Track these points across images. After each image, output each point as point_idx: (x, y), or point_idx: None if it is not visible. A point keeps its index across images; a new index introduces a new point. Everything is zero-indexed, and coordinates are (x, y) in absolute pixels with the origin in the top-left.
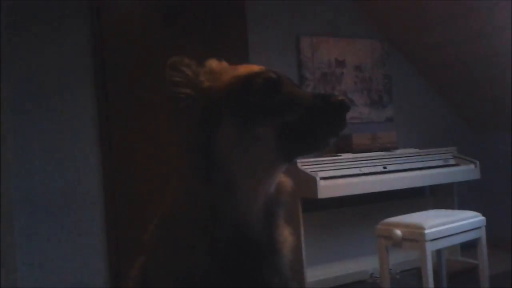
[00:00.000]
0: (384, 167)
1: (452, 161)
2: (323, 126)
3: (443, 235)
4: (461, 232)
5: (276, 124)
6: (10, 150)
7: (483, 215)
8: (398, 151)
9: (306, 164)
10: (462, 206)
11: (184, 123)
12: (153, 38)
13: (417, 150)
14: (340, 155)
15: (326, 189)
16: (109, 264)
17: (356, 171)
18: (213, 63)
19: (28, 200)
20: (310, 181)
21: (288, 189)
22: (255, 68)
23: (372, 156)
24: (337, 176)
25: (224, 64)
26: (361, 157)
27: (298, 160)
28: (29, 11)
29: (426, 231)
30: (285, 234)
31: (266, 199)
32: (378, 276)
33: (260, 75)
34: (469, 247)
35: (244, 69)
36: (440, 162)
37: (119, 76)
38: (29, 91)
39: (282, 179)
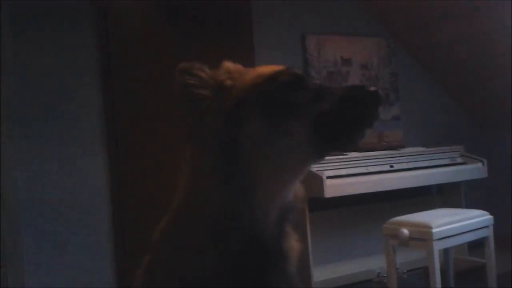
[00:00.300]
0: (391, 166)
1: (459, 160)
2: (358, 117)
3: (451, 234)
4: (468, 231)
5: (308, 118)
6: (15, 152)
7: (491, 213)
8: (405, 150)
9: None
10: (470, 205)
11: (203, 124)
12: (159, 38)
13: (424, 148)
14: (347, 154)
15: (333, 188)
16: (116, 264)
17: (363, 170)
18: (229, 64)
19: (35, 201)
20: (316, 180)
21: (301, 195)
22: (277, 67)
23: (379, 155)
24: (344, 175)
25: (240, 66)
26: (368, 156)
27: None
28: (34, 12)
29: (434, 230)
30: (292, 241)
31: (282, 205)
32: (385, 275)
33: (285, 71)
34: (476, 246)
35: (266, 68)
36: (447, 161)
37: (125, 76)
38: (35, 92)
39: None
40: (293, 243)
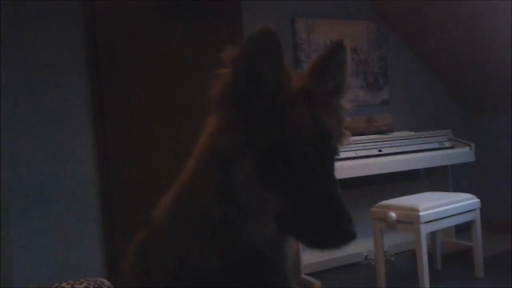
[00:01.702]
0: (379, 150)
1: (447, 144)
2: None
3: (438, 217)
4: (455, 214)
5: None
6: (3, 138)
7: (478, 197)
8: (394, 134)
9: None
10: (457, 188)
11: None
12: (148, 28)
13: (412, 133)
14: None
15: None
16: (104, 248)
17: (352, 154)
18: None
19: (22, 186)
20: None
21: None
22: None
23: (367, 139)
24: None
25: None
26: (356, 140)
27: None
28: (26, 7)
29: (421, 213)
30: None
31: None
32: (373, 258)
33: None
34: (463, 229)
35: None
36: (435, 145)
37: (113, 63)
38: (24, 79)
39: None
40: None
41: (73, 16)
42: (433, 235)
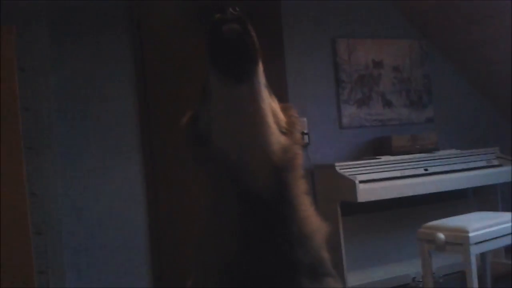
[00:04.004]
0: (425, 169)
1: (495, 162)
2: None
3: (488, 238)
4: (505, 235)
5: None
6: (55, 161)
7: None
8: (439, 153)
9: (344, 167)
10: (506, 207)
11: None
12: (192, 46)
13: (458, 151)
14: (379, 158)
15: (366, 193)
16: (152, 270)
17: (396, 173)
18: None
19: (74, 209)
20: (349, 185)
21: (296, 152)
22: None
23: (413, 158)
24: (377, 179)
25: None
26: (401, 160)
27: (336, 164)
28: (73, 24)
29: (470, 234)
30: (316, 222)
31: (263, 159)
32: (420, 280)
33: None
34: None
35: None
36: (483, 163)
37: (159, 85)
38: (72, 104)
39: (287, 143)
40: (317, 225)
41: (123, 47)
42: (482, 256)
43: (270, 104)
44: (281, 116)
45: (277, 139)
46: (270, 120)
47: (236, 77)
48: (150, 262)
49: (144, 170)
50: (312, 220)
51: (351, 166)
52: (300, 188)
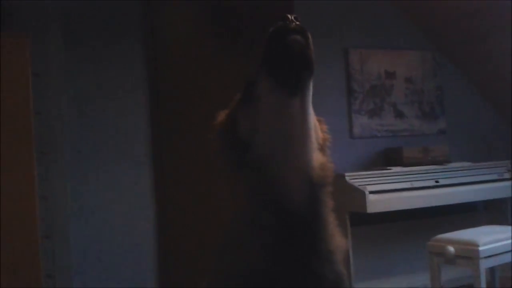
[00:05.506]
0: (436, 181)
1: (506, 175)
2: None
3: (498, 252)
4: None
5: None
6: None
7: None
8: (451, 165)
9: (354, 177)
10: None
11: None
12: (206, 54)
13: (470, 163)
14: (390, 169)
15: (376, 203)
16: (159, 275)
17: (407, 185)
18: None
19: (82, 212)
20: (358, 195)
21: (331, 171)
22: None
23: (424, 170)
24: (387, 190)
25: None
26: (412, 171)
27: (346, 174)
28: (87, 31)
29: (480, 248)
30: (339, 238)
31: (304, 174)
32: None
33: None
34: None
35: None
36: (494, 176)
37: (172, 92)
38: (84, 106)
39: (323, 160)
40: (337, 238)
41: (136, 54)
42: (491, 270)
43: (314, 119)
44: (318, 131)
45: (316, 155)
46: (313, 135)
47: (292, 89)
48: (157, 267)
49: (154, 175)
50: (337, 236)
51: (361, 177)
52: (330, 205)
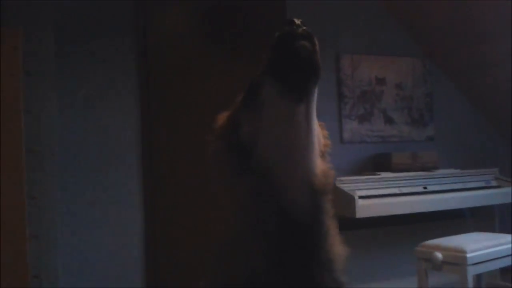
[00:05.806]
0: (425, 187)
1: (493, 183)
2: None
3: (485, 259)
4: (503, 257)
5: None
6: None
7: None
8: (439, 171)
9: (344, 182)
10: (503, 229)
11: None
12: (198, 56)
13: (458, 170)
14: (379, 174)
15: (365, 209)
16: (146, 275)
17: (396, 190)
18: None
19: (70, 211)
20: (348, 200)
21: (332, 178)
22: None
23: (412, 176)
24: (376, 195)
25: None
26: (401, 177)
27: (335, 179)
28: (79, 29)
29: (468, 255)
30: (340, 247)
31: (306, 181)
32: None
33: None
34: (507, 270)
35: None
36: (481, 184)
37: (163, 92)
38: (75, 106)
39: (325, 167)
40: (337, 246)
41: (127, 53)
42: (478, 276)
43: (317, 126)
44: (320, 137)
45: (319, 162)
46: (316, 142)
47: (298, 94)
48: (144, 268)
49: (143, 176)
50: (337, 245)
51: (350, 182)
52: (330, 212)
